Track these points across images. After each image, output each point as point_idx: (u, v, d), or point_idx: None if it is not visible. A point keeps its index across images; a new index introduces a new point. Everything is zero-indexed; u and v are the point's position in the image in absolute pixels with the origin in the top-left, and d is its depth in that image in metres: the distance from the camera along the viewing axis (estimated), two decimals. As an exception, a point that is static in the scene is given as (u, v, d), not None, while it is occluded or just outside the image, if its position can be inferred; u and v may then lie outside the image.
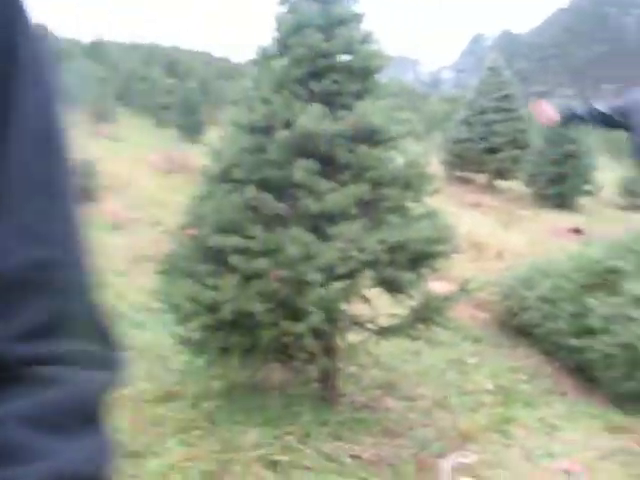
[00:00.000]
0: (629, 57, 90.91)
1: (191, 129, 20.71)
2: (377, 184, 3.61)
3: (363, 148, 3.64)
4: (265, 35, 4.11)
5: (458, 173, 17.87)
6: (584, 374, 4.99)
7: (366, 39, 3.97)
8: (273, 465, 3.39)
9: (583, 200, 16.12)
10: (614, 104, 4.71)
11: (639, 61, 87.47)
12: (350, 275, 3.45)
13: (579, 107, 4.74)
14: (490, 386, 4.79)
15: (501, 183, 17.24)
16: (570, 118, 4.71)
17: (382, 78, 4.13)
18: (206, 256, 3.68)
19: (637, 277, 4.62)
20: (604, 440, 4.14)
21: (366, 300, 3.95)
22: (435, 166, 14.01)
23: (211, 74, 33.63)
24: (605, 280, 4.85)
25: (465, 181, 17.61)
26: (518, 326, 5.52)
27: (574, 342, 4.83)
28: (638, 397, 4.49)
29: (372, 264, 3.43)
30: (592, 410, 4.59)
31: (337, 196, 3.50)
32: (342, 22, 3.88)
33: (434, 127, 24.85)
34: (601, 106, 4.64)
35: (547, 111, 4.62)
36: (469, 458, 3.69)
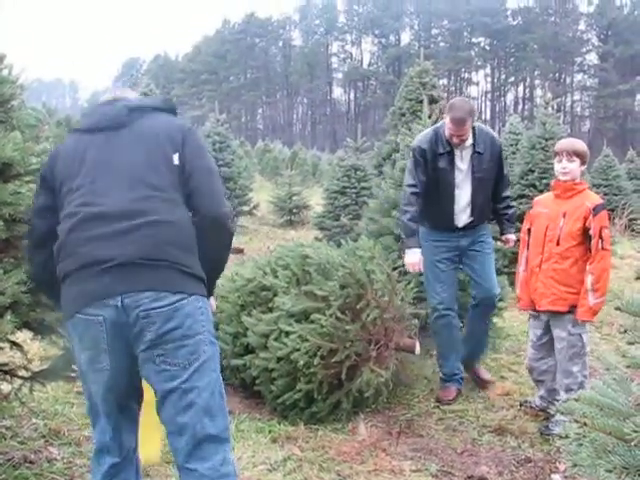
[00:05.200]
0: (278, 81, 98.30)
1: None
2: (15, 221, 3.34)
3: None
4: None
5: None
6: (249, 391, 5.14)
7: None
8: None
9: (243, 220, 16.79)
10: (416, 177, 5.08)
11: (285, 86, 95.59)
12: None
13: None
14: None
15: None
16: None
17: (22, 106, 3.87)
18: None
19: (287, 292, 4.88)
20: (271, 452, 4.29)
21: (15, 346, 3.66)
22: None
23: None
24: (259, 298, 5.04)
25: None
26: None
27: (236, 362, 4.96)
28: (298, 406, 4.74)
29: (13, 306, 3.13)
30: (258, 424, 4.73)
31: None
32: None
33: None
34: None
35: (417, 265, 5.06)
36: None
